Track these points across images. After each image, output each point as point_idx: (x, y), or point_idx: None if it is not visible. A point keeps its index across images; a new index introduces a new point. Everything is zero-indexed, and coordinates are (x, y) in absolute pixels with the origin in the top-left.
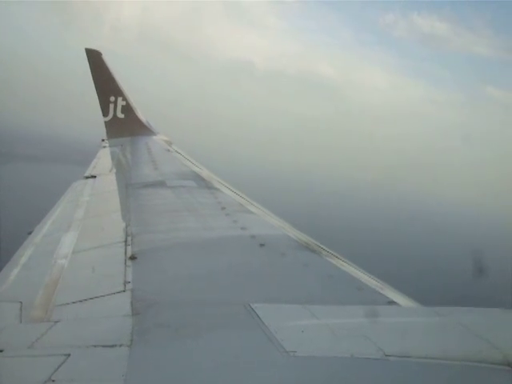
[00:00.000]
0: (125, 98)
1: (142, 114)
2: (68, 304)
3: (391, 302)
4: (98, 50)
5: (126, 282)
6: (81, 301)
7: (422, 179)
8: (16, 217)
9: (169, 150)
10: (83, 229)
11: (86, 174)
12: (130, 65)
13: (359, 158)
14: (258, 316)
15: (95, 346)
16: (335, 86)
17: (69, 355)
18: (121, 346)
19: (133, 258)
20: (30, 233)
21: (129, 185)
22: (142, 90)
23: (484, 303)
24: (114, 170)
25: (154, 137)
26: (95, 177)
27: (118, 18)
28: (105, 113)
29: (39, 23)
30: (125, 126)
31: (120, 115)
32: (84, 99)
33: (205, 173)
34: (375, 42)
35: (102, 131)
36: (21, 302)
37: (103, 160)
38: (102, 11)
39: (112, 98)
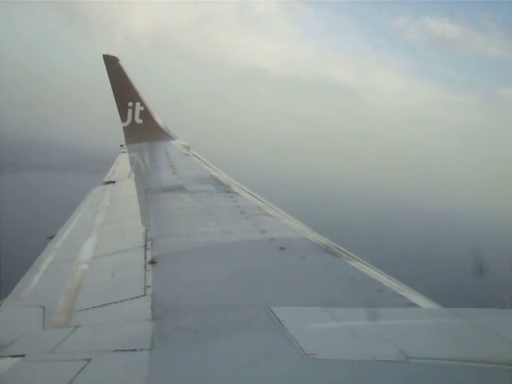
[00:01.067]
0: (143, 104)
1: (160, 119)
2: (89, 309)
3: (411, 304)
4: (115, 56)
5: (146, 287)
6: (101, 306)
7: (434, 182)
8: (26, 222)
9: (187, 155)
10: (103, 234)
11: (105, 180)
12: (144, 73)
13: (375, 161)
14: (279, 319)
15: (116, 351)
16: (350, 89)
17: (89, 360)
18: (141, 350)
19: (153, 262)
20: (49, 238)
21: (148, 190)
22: (156, 98)
23: (484, 303)
24: (133, 175)
25: (173, 141)
26: (114, 182)
27: (131, 27)
28: (123, 118)
29: (55, 34)
30: (143, 131)
31: (138, 120)
32: (94, 107)
33: (223, 177)
34: (388, 45)
35: (114, 138)
36: (44, 307)
37: (122, 165)
38: (115, 20)
39: (130, 104)
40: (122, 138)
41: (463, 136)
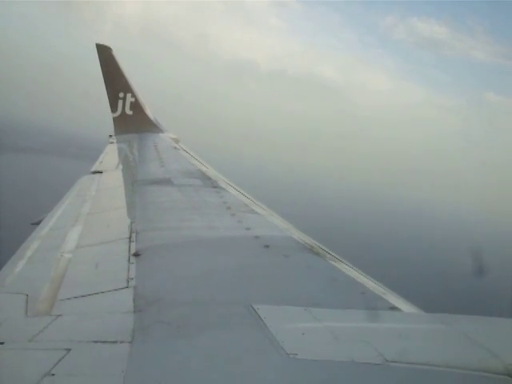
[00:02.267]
0: (134, 95)
1: (150, 112)
2: (70, 299)
3: (393, 308)
4: (108, 45)
5: (129, 279)
6: (83, 296)
7: (422, 183)
8: (11, 206)
9: (176, 148)
10: (88, 224)
11: (93, 170)
12: (131, 60)
13: (358, 160)
14: (260, 317)
15: (96, 342)
16: (336, 87)
17: (69, 350)
18: (122, 342)
19: (137, 254)
20: (34, 224)
21: (135, 181)
22: (143, 86)
23: (483, 304)
24: (121, 167)
25: (162, 134)
26: (101, 172)
27: (120, 16)
28: (113, 109)
29: (46, 19)
30: (133, 122)
31: (128, 112)
32: (86, 94)
33: (211, 172)
34: (375, 44)
35: (102, 127)
36: (27, 295)
37: (110, 156)
38: (105, 9)
39: (121, 95)
40: (111, 128)
41: (450, 138)
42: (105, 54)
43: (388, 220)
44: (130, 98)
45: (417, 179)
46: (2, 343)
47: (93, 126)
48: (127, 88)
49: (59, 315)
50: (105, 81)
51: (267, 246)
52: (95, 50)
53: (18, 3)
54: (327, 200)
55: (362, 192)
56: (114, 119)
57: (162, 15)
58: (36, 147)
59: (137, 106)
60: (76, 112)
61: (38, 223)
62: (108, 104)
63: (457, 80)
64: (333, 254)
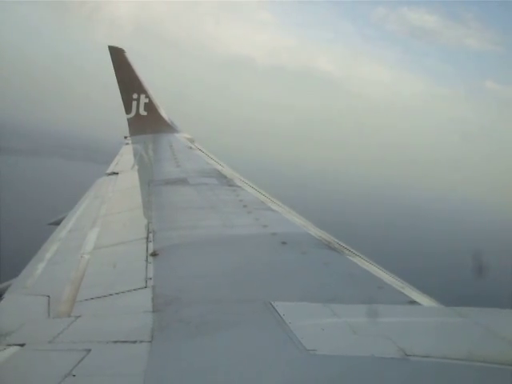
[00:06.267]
0: (148, 96)
1: (164, 112)
2: (89, 300)
3: (412, 302)
4: (121, 47)
5: (147, 279)
6: (102, 296)
7: (421, 174)
8: (29, 208)
9: (191, 148)
10: (105, 225)
11: (109, 171)
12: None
13: (358, 152)
14: (279, 314)
15: (116, 342)
16: (333, 79)
17: (90, 350)
18: (141, 342)
19: (154, 254)
20: (50, 224)
21: (151, 182)
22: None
23: (484, 302)
24: (137, 167)
25: (177, 134)
26: (118, 173)
27: (114, 15)
28: (127, 110)
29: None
30: (147, 123)
31: (143, 112)
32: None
33: (227, 170)
34: (369, 35)
35: (116, 130)
36: (48, 296)
37: (126, 157)
38: (99, 9)
39: (135, 96)
40: (126, 130)
41: (450, 129)
42: (118, 56)
43: (385, 212)
44: (143, 99)
45: (418, 170)
46: (23, 345)
47: (95, 127)
48: (141, 89)
49: (79, 316)
50: (118, 82)
51: (284, 243)
52: (90, 48)
53: (10, 3)
54: (332, 194)
55: (367, 184)
56: (129, 120)
57: (155, 13)
58: (33, 149)
59: (151, 106)
60: (75, 112)
61: (54, 223)
62: (109, 105)
63: (454, 69)
64: (350, 249)
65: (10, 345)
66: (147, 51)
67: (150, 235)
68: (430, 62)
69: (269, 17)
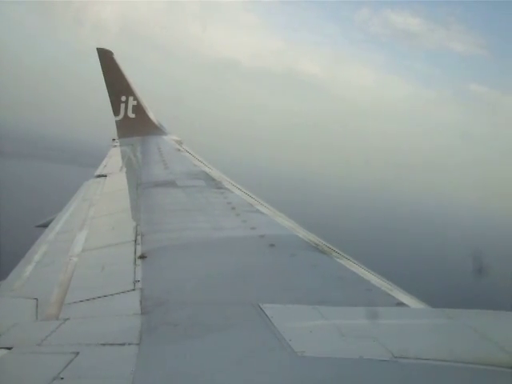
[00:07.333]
0: (136, 98)
1: (152, 114)
2: (78, 302)
3: (400, 304)
4: (109, 49)
5: (135, 281)
6: (90, 299)
7: (412, 178)
8: (16, 211)
9: (179, 150)
10: (94, 227)
11: (97, 173)
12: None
13: (346, 156)
14: (267, 316)
15: (104, 345)
16: (318, 83)
17: (78, 353)
18: (129, 344)
19: (142, 257)
20: (37, 226)
21: (139, 184)
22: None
23: (484, 303)
24: (125, 170)
25: (165, 136)
26: (106, 176)
27: (98, 16)
28: (116, 112)
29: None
30: (136, 125)
31: (131, 115)
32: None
33: (215, 173)
34: (354, 38)
35: (104, 132)
36: (36, 299)
37: (114, 159)
38: (83, 10)
39: (123, 98)
40: (114, 132)
41: (435, 131)
42: (106, 58)
43: (385, 215)
44: (132, 101)
45: (408, 173)
46: (10, 348)
47: (83, 130)
48: (129, 91)
49: (67, 319)
50: (106, 85)
51: (272, 245)
52: (76, 50)
53: None
54: (321, 197)
55: (352, 188)
56: (117, 123)
57: (139, 15)
58: (24, 152)
59: (139, 108)
60: (61, 114)
61: (42, 226)
62: (97, 108)
63: (438, 72)
64: (338, 251)
65: None
66: (132, 52)
67: (139, 238)
68: (416, 65)
69: (254, 19)
